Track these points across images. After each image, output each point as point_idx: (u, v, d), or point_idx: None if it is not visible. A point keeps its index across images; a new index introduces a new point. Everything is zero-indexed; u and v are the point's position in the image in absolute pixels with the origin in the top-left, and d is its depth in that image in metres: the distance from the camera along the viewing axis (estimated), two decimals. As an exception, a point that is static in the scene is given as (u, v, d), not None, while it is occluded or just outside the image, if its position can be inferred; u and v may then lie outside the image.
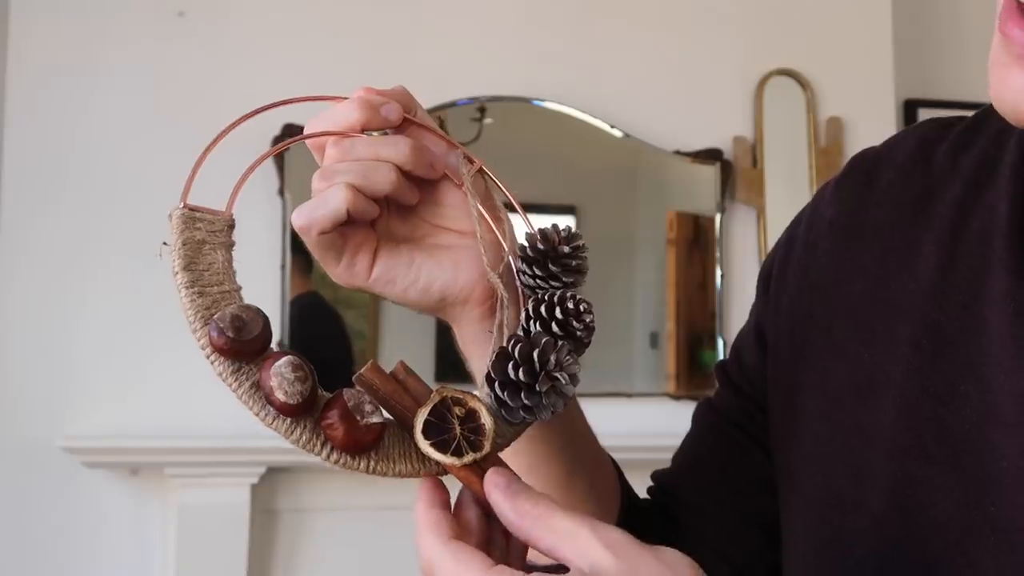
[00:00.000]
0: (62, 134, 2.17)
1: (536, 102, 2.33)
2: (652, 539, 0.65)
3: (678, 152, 2.39)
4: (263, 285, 2.13)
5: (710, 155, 2.40)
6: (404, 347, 2.26)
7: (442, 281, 0.54)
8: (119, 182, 2.17)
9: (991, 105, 0.54)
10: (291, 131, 2.14)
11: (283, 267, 2.18)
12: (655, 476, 0.70)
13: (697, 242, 2.43)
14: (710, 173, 2.40)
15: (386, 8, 2.31)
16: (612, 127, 2.36)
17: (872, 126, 2.41)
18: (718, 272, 2.40)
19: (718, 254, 2.40)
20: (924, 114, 2.61)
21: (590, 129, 2.35)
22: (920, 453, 0.48)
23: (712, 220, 2.42)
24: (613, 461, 0.68)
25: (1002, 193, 0.49)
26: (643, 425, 2.19)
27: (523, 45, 2.35)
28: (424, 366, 2.22)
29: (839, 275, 0.56)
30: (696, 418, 0.69)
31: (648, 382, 2.40)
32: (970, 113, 0.57)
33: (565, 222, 0.53)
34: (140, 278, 2.08)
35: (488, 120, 2.33)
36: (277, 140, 2.12)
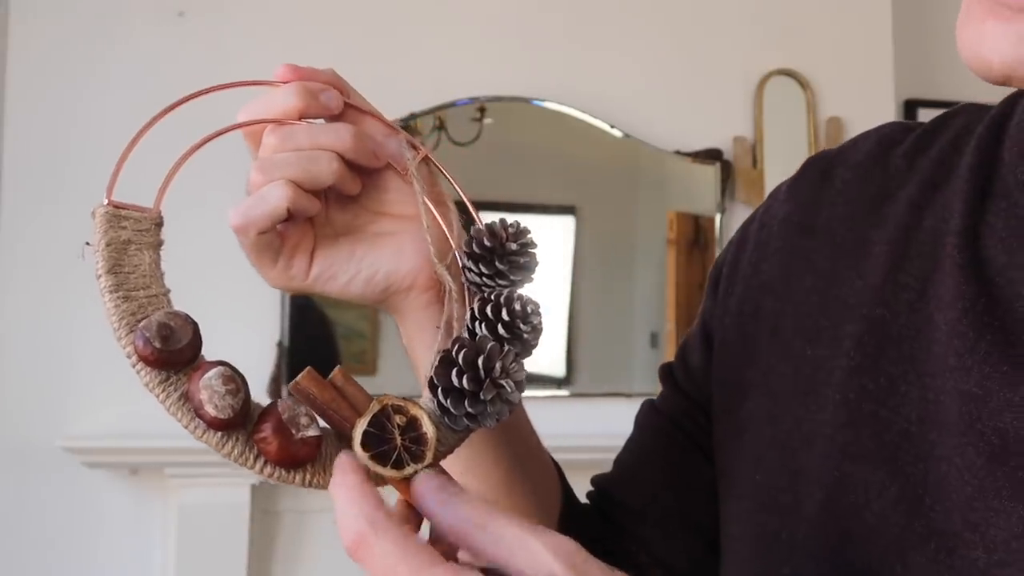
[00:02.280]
0: (62, 134, 2.17)
1: (536, 102, 2.33)
2: (592, 544, 0.63)
3: (678, 152, 2.39)
4: (263, 285, 2.12)
5: (710, 155, 2.40)
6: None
7: (386, 269, 0.52)
8: (119, 182, 2.16)
9: (952, 110, 0.54)
10: (291, 131, 2.15)
11: (283, 267, 2.18)
12: (595, 481, 0.67)
13: (697, 242, 2.43)
14: (710, 173, 2.40)
15: (386, 8, 2.31)
16: (612, 127, 2.36)
17: (872, 126, 2.40)
18: (718, 272, 2.40)
19: (718, 254, 2.40)
20: (924, 114, 2.61)
21: (590, 129, 2.35)
22: (857, 453, 0.46)
23: (712, 220, 2.42)
24: (555, 463, 0.66)
25: (957, 192, 0.48)
26: (643, 425, 2.19)
27: (523, 45, 2.35)
28: (424, 366, 2.22)
29: (789, 273, 0.55)
30: (638, 420, 0.66)
31: (648, 382, 2.40)
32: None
33: (512, 218, 0.50)
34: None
35: (488, 120, 2.32)
36: (277, 140, 2.12)
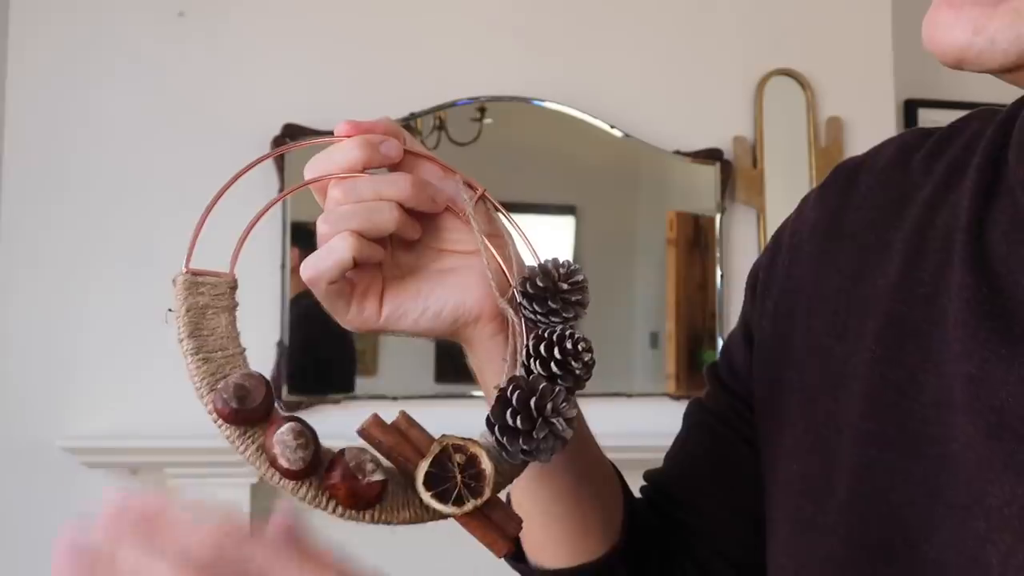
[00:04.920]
0: (63, 134, 2.17)
1: (536, 102, 2.33)
2: (651, 540, 0.66)
3: (678, 152, 2.39)
4: (263, 285, 2.13)
5: (710, 155, 2.40)
6: (404, 347, 2.26)
7: (452, 304, 0.55)
8: (119, 182, 2.17)
9: (968, 115, 0.58)
10: (291, 130, 2.15)
11: (283, 267, 2.18)
12: (648, 476, 0.71)
13: (697, 242, 2.43)
14: (710, 173, 2.40)
15: (386, 8, 2.31)
16: (612, 127, 2.36)
17: (872, 126, 2.41)
18: (718, 272, 2.40)
19: (718, 254, 2.40)
20: (924, 114, 2.61)
21: (590, 129, 2.35)
22: (881, 440, 0.50)
23: (712, 220, 2.41)
24: (613, 466, 0.69)
25: (966, 190, 0.52)
26: (643, 425, 2.19)
27: (523, 45, 2.35)
28: (424, 366, 2.22)
29: (818, 275, 0.58)
30: (686, 418, 0.70)
31: (648, 382, 2.40)
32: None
33: (564, 255, 0.54)
34: (140, 279, 2.08)
35: (488, 120, 2.33)
36: (278, 139, 2.12)
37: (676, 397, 2.34)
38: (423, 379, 2.23)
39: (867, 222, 0.57)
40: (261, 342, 2.14)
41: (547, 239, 2.34)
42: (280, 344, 2.17)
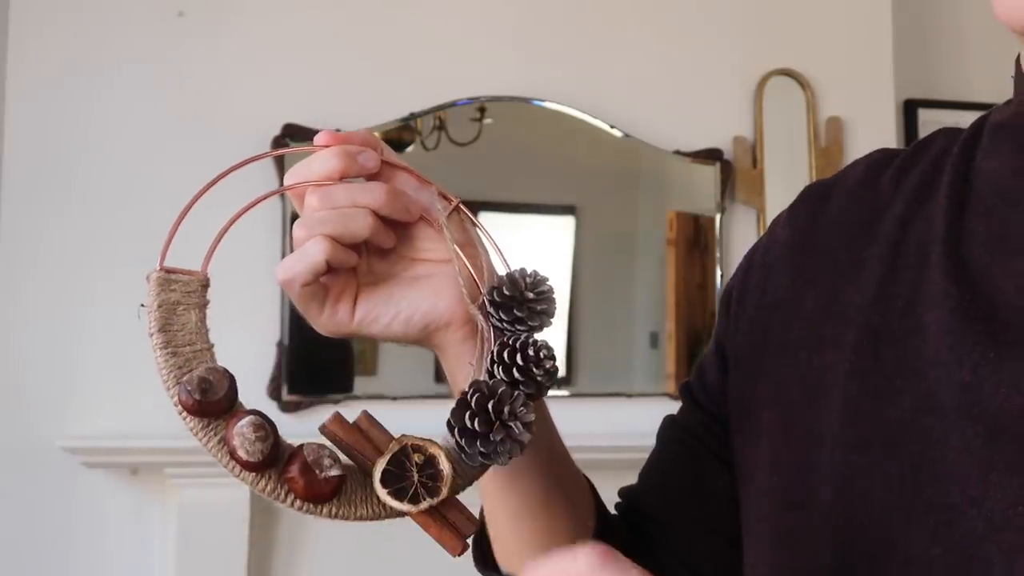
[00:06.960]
0: (63, 135, 2.17)
1: (536, 102, 2.33)
2: (622, 551, 0.67)
3: (678, 152, 2.39)
4: (263, 284, 2.13)
5: (710, 155, 2.40)
6: (404, 347, 2.26)
7: (423, 309, 0.57)
8: (120, 183, 2.17)
9: (930, 135, 0.60)
10: (291, 130, 2.15)
11: (283, 267, 2.18)
12: (622, 492, 0.72)
13: (697, 242, 2.43)
14: (710, 173, 2.40)
15: (386, 8, 2.31)
16: (612, 127, 2.36)
17: (872, 126, 2.41)
18: (718, 272, 2.40)
19: (718, 254, 2.40)
20: (924, 114, 2.61)
21: (590, 129, 2.35)
22: (860, 446, 0.50)
23: (712, 220, 2.41)
24: (587, 479, 0.70)
25: (938, 205, 0.53)
26: (643, 425, 2.18)
27: (523, 45, 2.35)
28: (424, 366, 2.22)
29: (793, 291, 0.60)
30: (660, 435, 0.71)
31: (648, 382, 2.40)
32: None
33: (536, 267, 0.56)
34: (141, 279, 2.08)
35: (488, 120, 2.32)
36: (278, 139, 2.12)
37: (676, 397, 2.33)
38: (423, 379, 2.23)
39: (840, 240, 0.58)
40: (261, 342, 2.14)
41: (547, 239, 2.34)
42: (280, 344, 2.17)
